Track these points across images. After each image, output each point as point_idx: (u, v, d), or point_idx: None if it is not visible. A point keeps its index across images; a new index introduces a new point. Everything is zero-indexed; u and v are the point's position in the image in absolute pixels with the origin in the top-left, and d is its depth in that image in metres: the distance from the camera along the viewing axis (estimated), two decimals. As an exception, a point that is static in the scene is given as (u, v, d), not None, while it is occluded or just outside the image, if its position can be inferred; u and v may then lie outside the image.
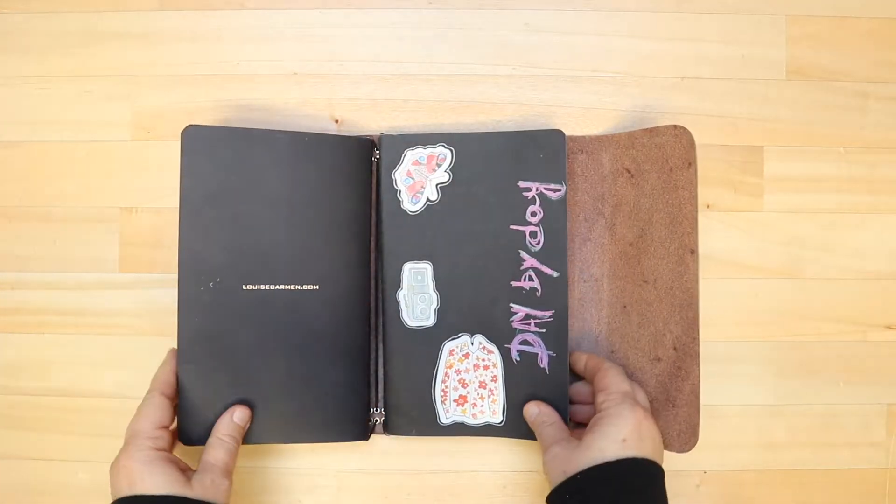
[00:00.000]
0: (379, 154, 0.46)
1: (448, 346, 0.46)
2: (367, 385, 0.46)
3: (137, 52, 0.49)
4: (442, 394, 0.46)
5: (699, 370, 0.42)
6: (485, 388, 0.46)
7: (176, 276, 0.43)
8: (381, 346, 0.47)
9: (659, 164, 0.44)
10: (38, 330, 0.49)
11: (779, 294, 0.49)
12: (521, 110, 0.49)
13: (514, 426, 0.45)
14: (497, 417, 0.46)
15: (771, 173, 0.49)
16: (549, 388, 0.45)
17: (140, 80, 0.49)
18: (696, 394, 0.42)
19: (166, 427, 0.41)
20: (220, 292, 0.43)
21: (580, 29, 0.49)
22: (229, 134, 0.44)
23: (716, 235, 0.48)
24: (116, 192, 0.48)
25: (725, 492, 0.49)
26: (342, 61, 0.49)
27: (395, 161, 0.46)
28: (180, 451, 0.44)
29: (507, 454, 0.48)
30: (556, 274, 0.45)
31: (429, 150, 0.46)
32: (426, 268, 0.46)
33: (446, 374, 0.46)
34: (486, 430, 0.46)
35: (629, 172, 0.46)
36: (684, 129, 0.43)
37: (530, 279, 0.45)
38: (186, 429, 0.43)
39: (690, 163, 0.43)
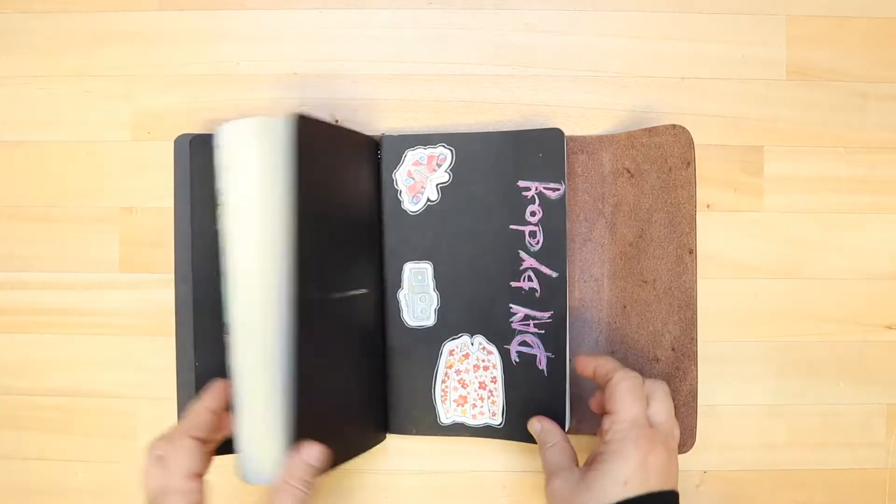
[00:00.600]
0: (380, 154, 0.46)
1: (448, 346, 0.46)
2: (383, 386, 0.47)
3: (137, 52, 0.49)
4: (442, 393, 0.46)
5: (697, 371, 0.42)
6: (484, 388, 0.46)
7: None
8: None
9: (658, 163, 0.44)
10: (38, 330, 0.49)
11: (779, 294, 0.49)
12: (521, 110, 0.49)
13: (513, 428, 0.45)
14: (496, 419, 0.46)
15: (771, 173, 0.49)
16: (547, 391, 0.44)
17: (140, 80, 0.49)
18: (693, 395, 0.42)
19: (200, 476, 0.35)
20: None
21: (580, 29, 0.49)
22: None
23: (716, 235, 0.48)
24: (116, 192, 0.49)
25: (725, 492, 0.49)
26: (342, 61, 0.49)
27: (396, 161, 0.46)
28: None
29: (507, 454, 0.48)
30: (555, 274, 0.45)
31: (429, 151, 0.46)
32: (426, 268, 0.46)
33: (446, 374, 0.46)
34: (485, 432, 0.46)
35: (629, 172, 0.46)
36: (683, 128, 0.43)
37: (529, 279, 0.45)
38: None
39: (689, 162, 0.43)
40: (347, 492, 0.48)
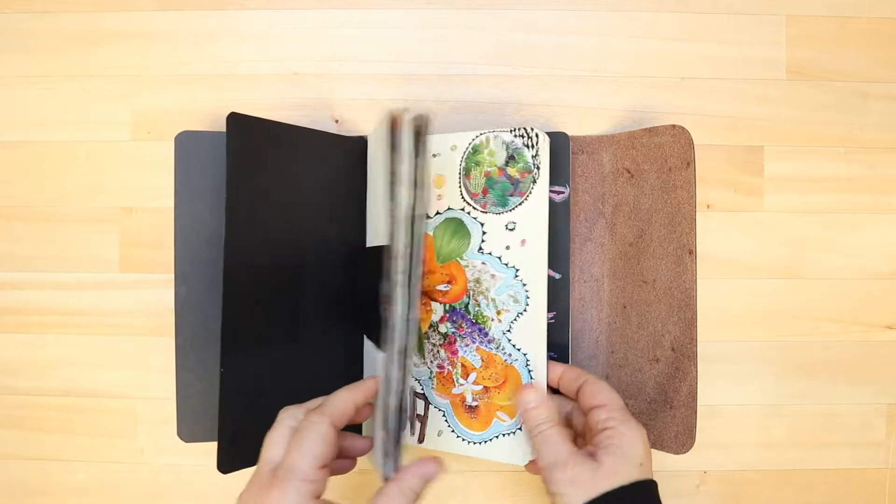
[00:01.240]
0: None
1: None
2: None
3: (137, 52, 0.49)
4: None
5: (696, 371, 0.42)
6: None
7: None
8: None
9: (658, 163, 0.44)
10: (38, 330, 0.49)
11: (779, 294, 0.49)
12: (521, 110, 0.49)
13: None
14: None
15: (771, 173, 0.49)
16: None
17: (140, 80, 0.49)
18: (693, 395, 0.42)
19: (328, 467, 0.34)
20: (216, 290, 0.43)
21: (580, 29, 0.49)
22: (221, 138, 0.44)
23: (716, 235, 0.48)
24: (116, 192, 0.49)
25: (725, 492, 0.49)
26: (342, 61, 0.49)
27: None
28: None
29: (506, 454, 0.48)
30: (558, 276, 0.45)
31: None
32: None
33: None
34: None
35: (629, 172, 0.46)
36: (683, 128, 0.43)
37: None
38: (185, 426, 0.44)
39: (689, 162, 0.43)
40: (347, 492, 0.48)
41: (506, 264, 0.42)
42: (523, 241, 0.42)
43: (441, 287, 0.44)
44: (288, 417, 0.35)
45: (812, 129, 0.49)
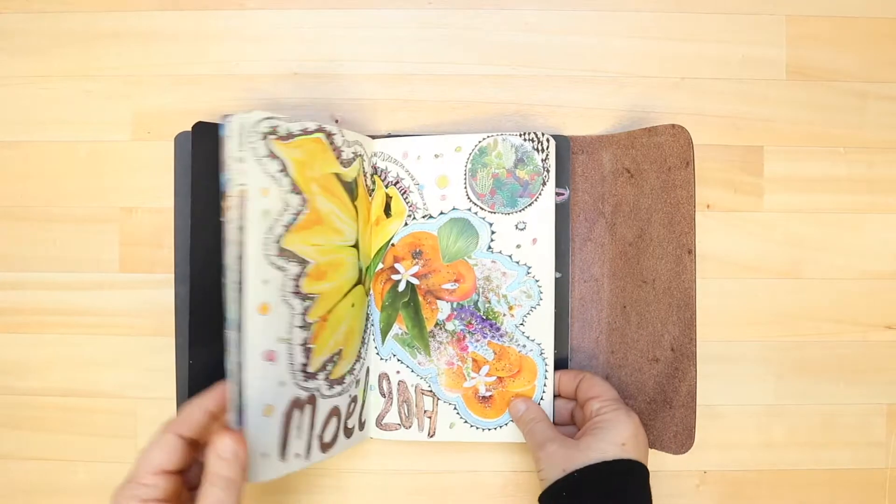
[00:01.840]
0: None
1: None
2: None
3: (137, 52, 0.49)
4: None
5: (696, 371, 0.42)
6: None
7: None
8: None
9: (657, 163, 0.44)
10: (38, 330, 0.49)
11: (779, 294, 0.49)
12: (521, 110, 0.49)
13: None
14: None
15: (771, 173, 0.49)
16: None
17: (140, 80, 0.49)
18: (692, 395, 0.42)
19: (168, 473, 0.34)
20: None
21: (580, 29, 0.49)
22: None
23: (716, 235, 0.48)
24: (116, 192, 0.49)
25: (725, 492, 0.49)
26: (342, 61, 0.49)
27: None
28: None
29: (507, 454, 0.48)
30: (558, 275, 0.45)
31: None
32: None
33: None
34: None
35: (629, 172, 0.46)
36: (682, 128, 0.43)
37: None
38: None
39: (688, 162, 0.43)
40: (348, 491, 0.48)
41: (517, 262, 0.44)
42: (535, 240, 0.44)
43: (448, 286, 0.45)
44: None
45: (812, 129, 0.49)
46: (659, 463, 0.48)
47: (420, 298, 0.45)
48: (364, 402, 0.45)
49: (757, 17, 0.49)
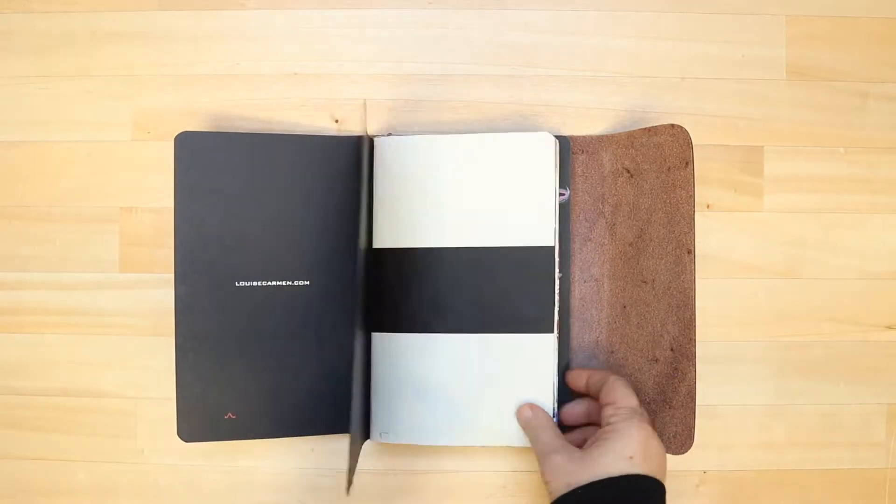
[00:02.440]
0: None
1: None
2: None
3: (137, 52, 0.49)
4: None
5: (695, 371, 0.42)
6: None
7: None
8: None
9: (657, 163, 0.44)
10: (38, 330, 0.49)
11: (779, 294, 0.49)
12: (521, 110, 0.49)
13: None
14: None
15: (771, 173, 0.49)
16: None
17: (140, 80, 0.49)
18: (692, 395, 0.42)
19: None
20: (215, 290, 0.44)
21: (580, 29, 0.49)
22: (221, 138, 0.45)
23: (716, 235, 0.48)
24: (116, 192, 0.49)
25: (725, 492, 0.49)
26: (342, 61, 0.49)
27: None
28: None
29: (507, 454, 0.48)
30: (559, 275, 0.45)
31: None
32: None
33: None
34: None
35: (629, 172, 0.46)
36: (682, 128, 0.43)
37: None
38: (185, 426, 0.44)
39: (688, 162, 0.43)
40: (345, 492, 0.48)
41: None
42: None
43: None
44: None
45: (812, 129, 0.49)
46: (659, 463, 0.48)
47: None
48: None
49: (757, 17, 0.49)
